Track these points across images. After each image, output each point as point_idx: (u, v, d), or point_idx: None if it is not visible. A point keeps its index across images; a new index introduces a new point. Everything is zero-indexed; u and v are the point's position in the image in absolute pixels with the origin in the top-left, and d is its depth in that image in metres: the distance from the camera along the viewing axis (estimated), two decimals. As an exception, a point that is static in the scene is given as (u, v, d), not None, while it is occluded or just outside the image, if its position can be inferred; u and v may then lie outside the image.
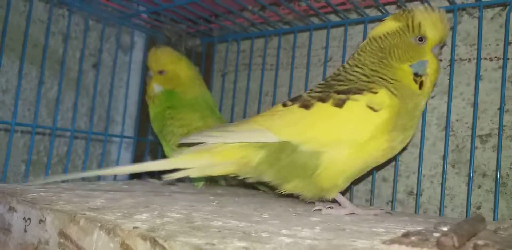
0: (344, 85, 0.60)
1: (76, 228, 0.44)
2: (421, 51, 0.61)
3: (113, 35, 1.12)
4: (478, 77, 0.70)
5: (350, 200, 0.82)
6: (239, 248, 0.33)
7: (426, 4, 0.62)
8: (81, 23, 1.05)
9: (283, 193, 0.62)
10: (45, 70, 0.96)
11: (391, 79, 0.60)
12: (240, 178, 0.63)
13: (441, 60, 0.77)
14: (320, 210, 0.59)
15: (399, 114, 0.57)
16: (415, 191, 0.78)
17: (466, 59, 0.77)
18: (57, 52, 1.00)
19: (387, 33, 0.62)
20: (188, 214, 0.49)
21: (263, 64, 0.98)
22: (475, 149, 0.73)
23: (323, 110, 0.57)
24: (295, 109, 0.59)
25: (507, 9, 0.70)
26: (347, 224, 0.49)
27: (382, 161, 0.61)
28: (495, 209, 0.65)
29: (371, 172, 0.78)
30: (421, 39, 0.61)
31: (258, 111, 0.96)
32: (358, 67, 0.62)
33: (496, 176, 0.66)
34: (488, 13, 0.75)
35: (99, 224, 0.42)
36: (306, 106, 0.59)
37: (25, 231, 0.50)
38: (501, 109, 0.67)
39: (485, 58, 0.74)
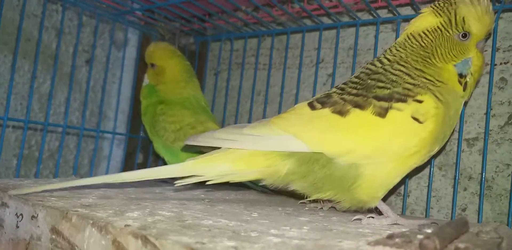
0: (386, 88, 0.54)
1: (68, 224, 0.44)
2: (466, 49, 0.56)
3: (107, 31, 1.12)
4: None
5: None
6: (228, 248, 0.34)
7: None
8: (74, 18, 1.05)
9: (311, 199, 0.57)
10: (38, 65, 0.96)
11: (437, 81, 0.54)
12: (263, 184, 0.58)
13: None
14: (360, 219, 0.53)
15: (443, 123, 0.53)
16: (402, 192, 0.79)
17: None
18: (50, 47, 1.00)
19: (428, 30, 0.57)
20: (179, 212, 0.50)
21: (256, 64, 0.98)
22: (462, 152, 0.74)
23: (363, 119, 0.52)
24: (327, 115, 0.53)
25: (495, 15, 0.71)
26: (334, 225, 0.50)
27: None
28: (479, 212, 0.67)
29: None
30: (465, 35, 0.55)
31: (251, 110, 0.97)
32: (401, 65, 0.56)
33: (481, 179, 0.68)
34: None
35: (91, 221, 0.42)
36: (341, 112, 0.52)
37: (17, 226, 0.50)
38: (487, 114, 0.69)
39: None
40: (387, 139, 0.51)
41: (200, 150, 0.72)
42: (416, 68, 0.55)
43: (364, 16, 0.86)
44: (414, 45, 0.57)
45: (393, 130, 0.51)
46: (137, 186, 0.76)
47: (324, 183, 0.53)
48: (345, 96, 0.54)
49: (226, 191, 0.79)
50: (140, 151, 1.08)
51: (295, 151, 0.53)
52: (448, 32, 0.55)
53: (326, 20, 0.89)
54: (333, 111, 0.53)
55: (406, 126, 0.51)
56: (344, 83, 0.58)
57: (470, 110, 0.75)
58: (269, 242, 0.37)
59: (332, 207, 0.65)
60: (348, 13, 0.83)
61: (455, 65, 0.56)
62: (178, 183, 0.56)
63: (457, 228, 0.44)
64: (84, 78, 1.09)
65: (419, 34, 0.57)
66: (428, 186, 0.73)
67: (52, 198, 0.53)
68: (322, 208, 0.65)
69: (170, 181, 0.87)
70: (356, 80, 0.57)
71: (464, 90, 0.56)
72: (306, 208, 0.65)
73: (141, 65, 1.05)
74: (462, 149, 0.74)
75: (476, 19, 0.54)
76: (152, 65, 0.90)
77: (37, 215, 0.48)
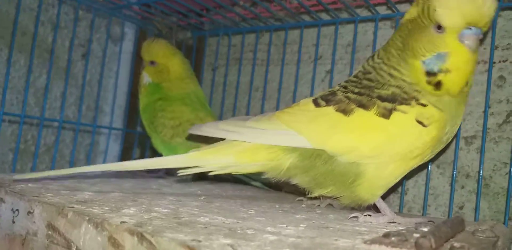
0: (380, 88, 0.53)
1: (64, 220, 0.44)
2: (441, 41, 0.50)
3: (103, 25, 1.12)
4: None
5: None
6: (224, 245, 0.34)
7: None
8: (70, 12, 1.04)
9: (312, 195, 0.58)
10: (34, 59, 0.95)
11: (413, 84, 0.52)
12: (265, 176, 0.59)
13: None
14: (356, 217, 0.54)
15: (445, 128, 0.52)
16: (400, 190, 0.79)
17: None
18: (46, 41, 0.99)
19: (408, 20, 0.54)
20: (175, 209, 0.50)
21: (254, 60, 0.98)
22: (460, 150, 0.74)
23: (367, 119, 0.51)
24: (331, 114, 0.53)
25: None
26: (331, 222, 0.50)
27: None
28: (476, 210, 0.67)
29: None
30: (439, 27, 0.50)
31: (249, 106, 0.97)
32: (384, 63, 0.55)
33: (479, 177, 0.68)
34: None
35: (87, 218, 0.42)
36: (345, 111, 0.52)
37: (13, 222, 0.50)
38: (485, 112, 0.69)
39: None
40: (390, 140, 0.51)
41: (198, 146, 0.73)
42: (394, 68, 0.54)
43: (363, 13, 0.85)
44: (397, 36, 0.55)
45: (397, 132, 0.51)
46: (133, 181, 0.76)
47: (325, 178, 0.54)
48: (349, 94, 0.54)
49: (223, 187, 0.79)
50: (137, 146, 1.08)
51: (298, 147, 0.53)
52: (424, 23, 0.51)
53: (324, 16, 0.88)
54: (337, 110, 0.53)
55: (411, 129, 0.50)
56: (346, 81, 0.58)
57: (469, 109, 0.75)
58: (265, 239, 0.37)
59: (329, 204, 0.65)
60: (347, 9, 0.83)
61: (423, 62, 0.51)
62: (181, 172, 0.57)
63: (453, 227, 0.44)
64: (80, 73, 1.08)
65: (402, 24, 0.55)
66: (426, 184, 0.73)
67: (48, 194, 0.53)
68: (319, 205, 0.65)
69: (166, 177, 0.87)
70: (354, 79, 0.57)
71: (437, 90, 0.51)
72: (304, 205, 0.65)
73: (138, 60, 1.04)
74: (460, 147, 0.74)
75: (448, 8, 0.49)
76: (152, 62, 0.90)
77: (33, 210, 0.48)
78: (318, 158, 0.53)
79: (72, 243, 0.43)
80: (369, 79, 0.55)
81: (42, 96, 0.99)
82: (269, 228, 0.42)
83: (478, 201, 0.67)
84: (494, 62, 0.74)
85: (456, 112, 0.54)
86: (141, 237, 0.37)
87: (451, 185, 0.71)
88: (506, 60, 0.74)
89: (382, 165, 0.52)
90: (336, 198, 0.56)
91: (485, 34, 0.60)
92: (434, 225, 0.43)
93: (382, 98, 0.52)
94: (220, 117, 1.01)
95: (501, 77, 0.73)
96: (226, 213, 0.50)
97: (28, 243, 0.48)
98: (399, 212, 0.73)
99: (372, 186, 0.52)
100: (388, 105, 0.51)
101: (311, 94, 0.85)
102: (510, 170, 0.66)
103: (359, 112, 0.52)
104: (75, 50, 1.06)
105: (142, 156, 1.09)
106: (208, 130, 0.57)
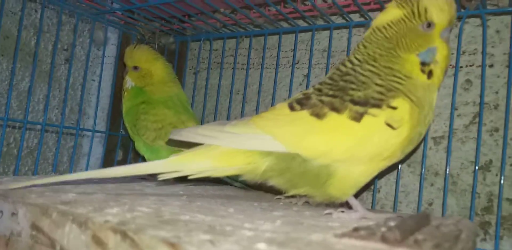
0: (358, 90, 0.55)
1: (49, 221, 0.45)
2: (430, 38, 0.57)
3: (87, 30, 1.12)
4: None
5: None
6: (204, 241, 0.35)
7: None
8: (53, 17, 1.04)
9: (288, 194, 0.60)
10: (17, 62, 0.96)
11: (404, 76, 0.56)
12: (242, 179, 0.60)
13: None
14: (330, 213, 0.55)
15: (418, 124, 0.54)
16: (372, 188, 0.83)
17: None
18: (29, 44, 1.00)
19: (392, 22, 0.58)
20: (157, 208, 0.51)
21: (234, 64, 1.01)
22: (429, 150, 0.78)
23: (339, 123, 0.53)
24: (305, 118, 0.55)
25: (461, 21, 0.75)
26: (306, 219, 0.51)
27: None
28: (443, 206, 0.71)
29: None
30: (429, 25, 0.56)
31: (229, 109, 0.99)
32: (370, 64, 0.57)
33: (445, 175, 0.71)
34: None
35: (71, 217, 0.43)
36: (318, 115, 0.54)
37: (-2, 223, 0.51)
38: (451, 113, 0.72)
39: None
40: (360, 143, 0.52)
41: (179, 149, 0.74)
42: (385, 67, 0.57)
43: (338, 20, 0.89)
44: (379, 38, 0.58)
45: (366, 135, 0.52)
46: (116, 183, 0.76)
47: (299, 179, 0.56)
48: (323, 97, 0.56)
49: (204, 187, 0.80)
50: (120, 148, 1.09)
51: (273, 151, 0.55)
52: (412, 23, 0.56)
53: (301, 23, 0.91)
54: (311, 114, 0.54)
55: (380, 132, 0.52)
56: (320, 84, 0.60)
57: (437, 110, 0.78)
58: (242, 235, 0.38)
59: (306, 202, 0.68)
60: (322, 16, 0.86)
61: (418, 55, 0.57)
62: (161, 177, 0.58)
63: (418, 221, 0.47)
64: (64, 76, 1.09)
65: (384, 27, 0.58)
66: (397, 182, 0.76)
67: (32, 195, 0.53)
68: (296, 203, 0.67)
69: (149, 178, 0.88)
70: (330, 81, 0.59)
71: (429, 78, 0.56)
72: (281, 203, 0.67)
73: (121, 64, 1.05)
74: (429, 147, 0.78)
75: (438, 9, 0.56)
76: (136, 68, 0.91)
77: (17, 212, 0.48)
78: (293, 161, 0.55)
79: (56, 243, 0.43)
80: (348, 81, 0.57)
81: (25, 99, 0.99)
82: (246, 225, 0.43)
83: (445, 198, 0.71)
84: (461, 67, 0.78)
85: (431, 105, 0.57)
86: (124, 235, 0.38)
87: (420, 182, 0.74)
88: (473, 65, 0.77)
89: (353, 166, 0.54)
90: (310, 197, 0.59)
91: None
92: (401, 220, 0.46)
93: (355, 102, 0.54)
94: (202, 119, 1.03)
95: (468, 81, 0.77)
96: (206, 211, 0.51)
97: (12, 243, 0.48)
98: (372, 209, 0.75)
99: (343, 186, 0.55)
100: (360, 109, 0.53)
101: (289, 97, 0.88)
102: (476, 168, 0.69)
103: (332, 116, 0.53)
104: (58, 54, 1.07)
105: (125, 158, 1.10)
106: (187, 134, 0.58)
